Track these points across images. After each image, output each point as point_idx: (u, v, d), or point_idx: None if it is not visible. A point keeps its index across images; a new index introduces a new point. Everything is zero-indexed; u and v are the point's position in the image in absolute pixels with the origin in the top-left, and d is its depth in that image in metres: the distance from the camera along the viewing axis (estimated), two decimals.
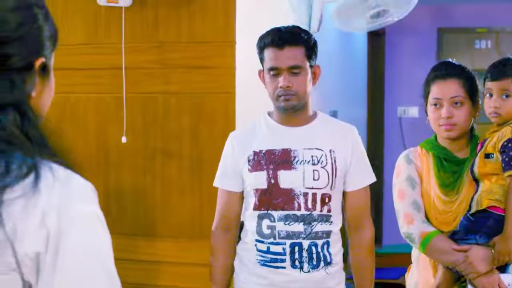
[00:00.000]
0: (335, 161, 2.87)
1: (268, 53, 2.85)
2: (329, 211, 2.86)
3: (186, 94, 3.86)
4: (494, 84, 2.83)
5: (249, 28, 3.88)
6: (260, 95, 3.92)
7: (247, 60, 3.84)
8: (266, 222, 2.86)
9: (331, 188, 2.86)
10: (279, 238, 2.83)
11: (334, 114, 5.68)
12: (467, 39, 7.91)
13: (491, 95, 2.84)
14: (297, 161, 2.85)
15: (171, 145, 3.91)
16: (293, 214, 2.82)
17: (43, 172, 1.21)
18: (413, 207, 2.89)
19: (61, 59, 3.98)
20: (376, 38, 7.89)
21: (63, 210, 1.19)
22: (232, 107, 3.77)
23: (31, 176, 1.20)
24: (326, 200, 2.86)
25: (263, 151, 2.89)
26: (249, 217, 2.92)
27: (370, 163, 3.05)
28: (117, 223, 3.96)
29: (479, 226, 2.75)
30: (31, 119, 1.25)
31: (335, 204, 2.90)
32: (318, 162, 2.85)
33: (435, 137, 3.00)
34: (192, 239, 3.85)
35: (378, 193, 6.99)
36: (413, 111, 7.70)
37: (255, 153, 2.90)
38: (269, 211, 2.85)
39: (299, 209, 2.82)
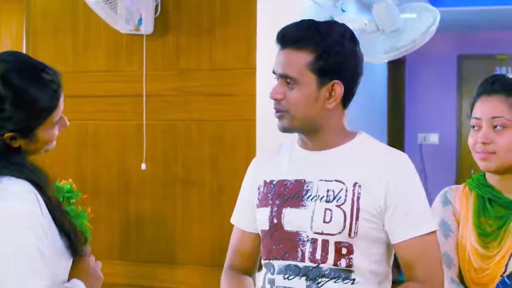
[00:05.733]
0: (358, 198, 2.07)
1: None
2: (349, 266, 2.07)
3: (206, 121, 3.87)
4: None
5: (269, 55, 3.87)
6: None
7: (268, 87, 3.83)
8: (268, 275, 2.17)
9: (349, 235, 2.06)
10: None
11: None
12: (487, 65, 7.89)
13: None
14: (308, 197, 2.10)
15: (191, 172, 3.91)
16: (294, 266, 2.10)
17: None
18: (443, 261, 2.16)
19: (82, 87, 4.07)
20: (396, 65, 7.88)
21: None
22: (253, 134, 3.77)
23: None
24: (344, 252, 2.07)
25: (274, 182, 2.19)
26: (262, 268, 2.24)
27: None
28: (136, 249, 3.96)
29: None
30: (6, 154, 1.88)
31: (363, 258, 2.09)
32: (334, 199, 2.08)
33: (484, 173, 2.30)
34: (212, 267, 3.82)
35: None
36: (434, 138, 7.67)
37: (265, 183, 2.21)
38: (271, 261, 2.16)
39: (302, 259, 2.09)
